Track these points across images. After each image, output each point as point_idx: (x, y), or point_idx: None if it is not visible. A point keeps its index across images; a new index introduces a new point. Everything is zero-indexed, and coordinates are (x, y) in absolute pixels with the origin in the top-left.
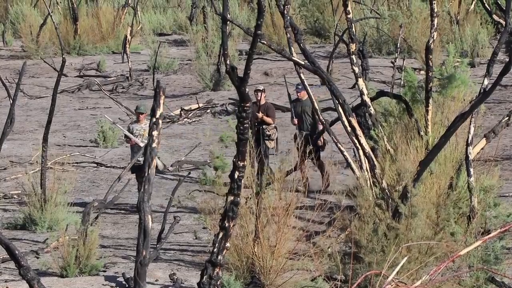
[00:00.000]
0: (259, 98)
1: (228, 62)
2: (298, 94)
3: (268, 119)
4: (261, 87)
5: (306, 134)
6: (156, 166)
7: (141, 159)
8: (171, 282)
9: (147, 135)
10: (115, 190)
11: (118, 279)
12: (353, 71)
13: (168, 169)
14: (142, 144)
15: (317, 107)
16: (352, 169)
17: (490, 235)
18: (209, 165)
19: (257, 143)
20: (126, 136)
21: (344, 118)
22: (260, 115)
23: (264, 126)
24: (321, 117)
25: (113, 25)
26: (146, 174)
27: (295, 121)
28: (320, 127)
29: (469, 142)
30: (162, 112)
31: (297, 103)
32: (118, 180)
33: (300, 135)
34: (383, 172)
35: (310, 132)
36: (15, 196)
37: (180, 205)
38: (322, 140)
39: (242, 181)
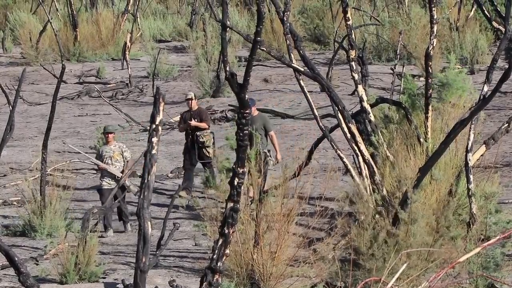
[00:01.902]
0: (191, 106)
1: (227, 68)
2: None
3: (202, 124)
4: (190, 95)
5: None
6: (129, 188)
7: (111, 182)
8: None
9: (116, 157)
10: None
11: (117, 285)
12: (353, 77)
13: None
14: (109, 168)
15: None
16: (351, 175)
17: (490, 242)
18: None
19: (191, 151)
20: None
21: (343, 125)
22: (192, 122)
23: (198, 133)
24: (320, 124)
25: (112, 32)
26: (145, 181)
27: None
28: (272, 144)
29: (468, 148)
30: (162, 118)
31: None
32: (117, 186)
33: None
34: (383, 179)
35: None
36: (14, 203)
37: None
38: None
39: (242, 188)
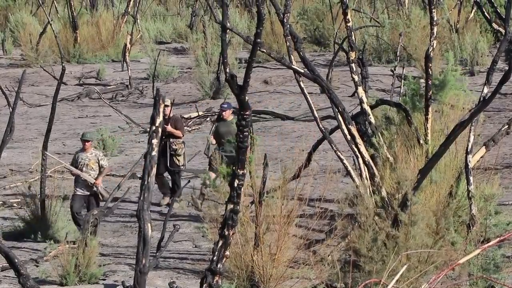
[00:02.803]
0: (165, 113)
1: (227, 70)
2: (223, 113)
3: (177, 132)
4: (167, 102)
5: (228, 156)
6: (102, 196)
7: (84, 190)
8: None
9: (92, 165)
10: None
11: (117, 287)
12: (353, 79)
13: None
14: (83, 175)
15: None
16: (351, 177)
17: (490, 244)
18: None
19: (162, 157)
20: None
21: (343, 126)
22: (169, 128)
23: (171, 140)
24: (320, 125)
25: (112, 34)
26: (145, 183)
27: (212, 140)
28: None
29: (468, 150)
30: (162, 120)
31: (220, 122)
32: (117, 188)
33: (221, 156)
34: (382, 181)
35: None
36: (14, 205)
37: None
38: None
39: (242, 189)
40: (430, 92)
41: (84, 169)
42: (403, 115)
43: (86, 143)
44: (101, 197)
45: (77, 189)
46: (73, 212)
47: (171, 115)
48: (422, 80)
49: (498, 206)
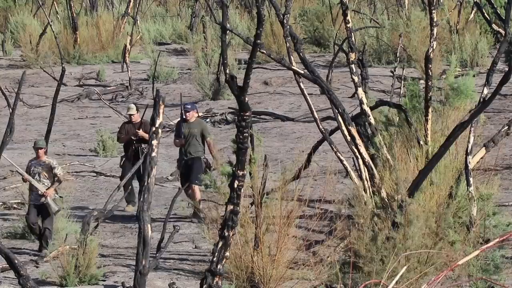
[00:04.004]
0: (133, 120)
1: (227, 71)
2: (187, 114)
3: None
4: (133, 111)
5: (190, 158)
6: (50, 207)
7: (38, 198)
8: None
9: (45, 174)
10: (114, 199)
11: None
12: (353, 80)
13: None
14: (35, 183)
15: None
16: (351, 178)
17: (489, 244)
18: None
19: (133, 163)
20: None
21: (343, 127)
22: (140, 132)
23: (143, 145)
24: (320, 126)
25: (112, 35)
26: (145, 184)
27: (178, 142)
28: (210, 153)
29: (468, 151)
30: (162, 121)
31: (184, 124)
32: (117, 189)
33: (181, 159)
34: (382, 182)
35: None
36: (14, 206)
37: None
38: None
39: (242, 190)
40: (430, 93)
41: (37, 177)
42: (403, 116)
43: (39, 151)
44: (49, 209)
45: (32, 198)
46: (29, 223)
47: (137, 120)
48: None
49: (498, 207)
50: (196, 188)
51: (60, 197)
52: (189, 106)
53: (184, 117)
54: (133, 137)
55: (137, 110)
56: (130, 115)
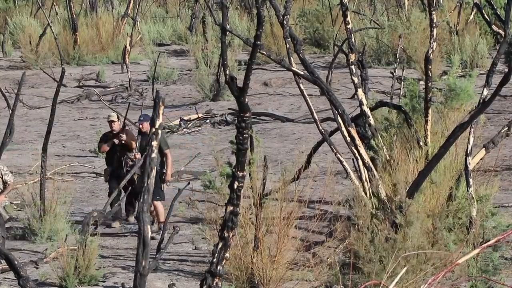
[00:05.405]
0: (114, 129)
1: (227, 72)
2: (140, 126)
3: (132, 142)
4: (114, 117)
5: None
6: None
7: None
8: None
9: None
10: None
11: None
12: (353, 81)
13: (11, 217)
14: None
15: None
16: (351, 179)
17: (487, 244)
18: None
19: (119, 173)
20: None
21: (343, 128)
22: (123, 137)
23: (128, 153)
24: (320, 127)
25: (112, 36)
26: (145, 184)
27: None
28: (168, 166)
29: (468, 152)
30: (162, 122)
31: (141, 136)
32: (117, 190)
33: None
34: (382, 182)
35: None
36: (14, 207)
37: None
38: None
39: (242, 191)
40: (430, 94)
41: None
42: (403, 117)
43: None
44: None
45: None
46: None
47: (118, 129)
48: (422, 82)
49: (498, 208)
50: (158, 203)
51: (11, 203)
52: (142, 118)
53: (139, 129)
54: (115, 141)
55: (118, 118)
56: (111, 122)
